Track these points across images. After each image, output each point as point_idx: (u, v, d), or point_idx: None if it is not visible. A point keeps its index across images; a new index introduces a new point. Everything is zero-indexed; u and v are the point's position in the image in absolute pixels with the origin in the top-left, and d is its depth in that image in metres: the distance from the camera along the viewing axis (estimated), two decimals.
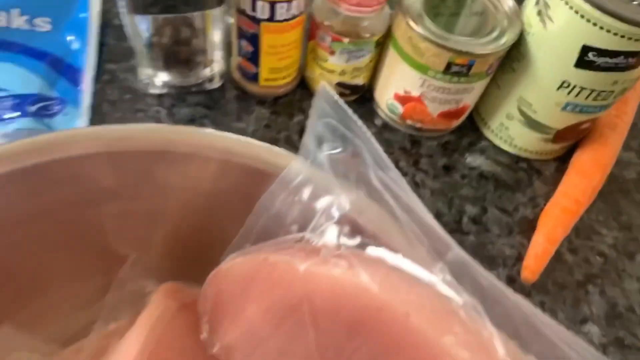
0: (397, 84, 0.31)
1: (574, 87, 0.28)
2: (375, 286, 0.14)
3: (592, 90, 0.28)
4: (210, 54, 0.31)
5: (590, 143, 0.34)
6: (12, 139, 0.29)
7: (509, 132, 0.33)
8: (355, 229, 0.18)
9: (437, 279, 0.14)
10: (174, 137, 0.20)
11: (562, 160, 0.35)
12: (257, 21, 0.29)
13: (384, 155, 0.16)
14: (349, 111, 0.16)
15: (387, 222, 0.17)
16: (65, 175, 0.19)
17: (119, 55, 0.34)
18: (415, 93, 0.31)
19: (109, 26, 0.35)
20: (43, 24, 0.33)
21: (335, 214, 0.18)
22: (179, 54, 0.31)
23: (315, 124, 0.17)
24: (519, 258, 0.30)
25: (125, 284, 0.22)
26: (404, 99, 0.32)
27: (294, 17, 0.29)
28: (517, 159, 0.34)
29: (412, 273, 0.15)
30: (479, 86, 0.31)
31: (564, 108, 0.30)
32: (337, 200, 0.18)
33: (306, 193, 0.18)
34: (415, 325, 0.14)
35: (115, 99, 0.32)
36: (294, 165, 0.18)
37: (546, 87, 0.29)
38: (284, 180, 0.19)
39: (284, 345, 0.17)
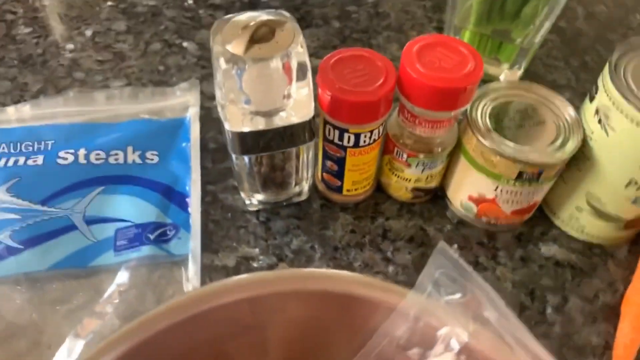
0: (471, 188, 0.34)
1: None
2: None
3: None
4: (301, 175, 0.36)
5: None
6: (138, 265, 0.34)
7: (580, 222, 0.35)
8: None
9: None
10: (303, 278, 0.23)
11: (635, 243, 0.36)
12: (343, 148, 0.33)
13: (498, 298, 0.19)
14: (468, 267, 0.19)
15: (501, 351, 0.20)
16: (219, 319, 0.23)
17: (217, 176, 0.39)
18: (489, 196, 0.34)
19: (205, 150, 0.40)
20: (152, 157, 0.39)
21: (455, 344, 0.21)
22: (274, 178, 0.35)
23: (432, 272, 0.20)
24: (607, 347, 0.32)
25: None
26: (478, 200, 0.35)
27: (374, 141, 0.33)
28: (590, 245, 0.36)
29: None
30: (548, 186, 0.33)
31: (634, 202, 0.32)
32: (455, 331, 0.21)
33: (424, 322, 0.21)
34: None
35: (219, 219, 0.37)
36: (411, 297, 0.21)
37: (614, 185, 0.32)
38: (403, 310, 0.21)
39: None
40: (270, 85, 0.29)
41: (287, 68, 0.29)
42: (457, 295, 0.20)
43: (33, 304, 0.32)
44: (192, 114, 0.41)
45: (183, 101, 0.42)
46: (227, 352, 0.24)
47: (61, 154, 0.37)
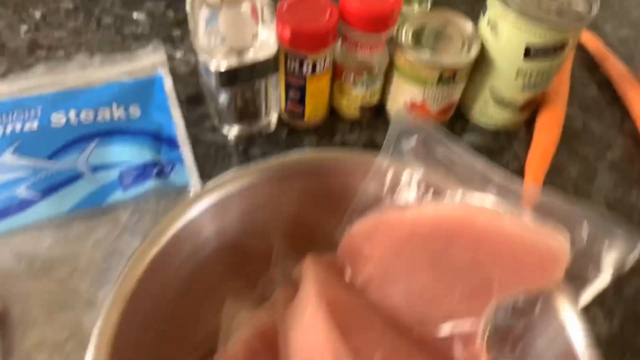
0: (404, 96, 0.44)
1: (526, 73, 0.41)
2: (458, 209, 0.26)
3: (539, 72, 0.41)
4: (269, 107, 0.43)
5: (545, 108, 0.47)
6: (148, 196, 0.40)
7: (488, 112, 0.46)
8: (428, 187, 0.29)
9: (492, 196, 0.26)
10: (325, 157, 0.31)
11: (529, 124, 0.48)
12: (303, 77, 0.40)
13: (445, 136, 0.28)
14: (421, 122, 0.28)
15: (449, 179, 0.29)
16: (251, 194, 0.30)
17: (195, 121, 0.45)
18: (419, 100, 0.43)
19: (178, 101, 0.46)
20: (135, 111, 0.44)
21: (414, 181, 0.29)
22: (248, 109, 0.42)
23: (392, 135, 0.29)
24: None
25: (276, 266, 0.33)
26: (411, 106, 0.44)
27: (327, 68, 0.41)
28: (497, 131, 0.47)
29: (478, 200, 0.26)
30: (461, 85, 0.43)
31: (523, 88, 0.43)
32: (413, 172, 0.29)
33: (390, 174, 0.30)
34: (512, 232, 0.25)
35: (205, 153, 0.43)
36: (379, 160, 0.30)
37: (507, 77, 0.42)
38: (376, 169, 0.30)
39: (406, 265, 0.28)
40: (242, 25, 0.36)
41: (253, 11, 0.36)
42: (413, 144, 0.28)
43: (61, 243, 0.38)
44: (164, 71, 0.47)
45: (151, 62, 0.47)
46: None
47: (53, 117, 0.42)
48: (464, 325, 0.26)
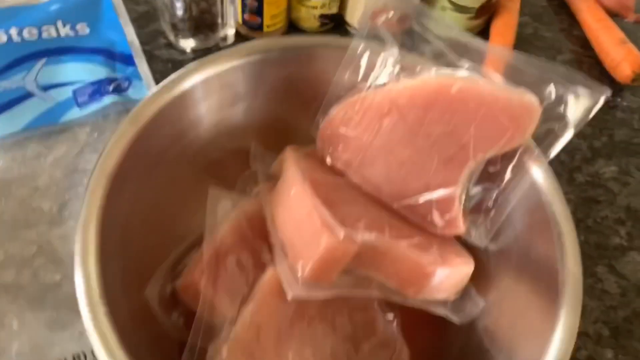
0: (364, 4, 0.43)
1: None
2: (435, 78, 0.27)
3: None
4: (225, 18, 0.42)
5: (500, 15, 0.48)
6: (107, 112, 0.38)
7: (446, 19, 0.46)
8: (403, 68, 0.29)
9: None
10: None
11: (486, 31, 0.48)
12: None
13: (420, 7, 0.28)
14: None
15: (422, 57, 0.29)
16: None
17: (147, 38, 0.43)
18: (378, 7, 0.43)
19: (132, 20, 0.44)
20: (83, 28, 0.42)
21: (389, 63, 0.29)
22: (204, 20, 0.41)
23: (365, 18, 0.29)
24: None
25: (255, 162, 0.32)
26: (372, 15, 0.44)
27: None
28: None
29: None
30: None
31: None
32: (388, 55, 0.29)
33: (365, 58, 0.30)
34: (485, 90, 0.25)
35: (162, 69, 0.42)
36: (354, 43, 0.30)
37: None
38: (349, 56, 0.30)
39: (384, 142, 0.28)
40: None
41: None
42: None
43: (17, 162, 0.36)
44: None
45: None
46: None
47: None
48: (440, 193, 0.27)
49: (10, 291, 0.31)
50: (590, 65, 0.49)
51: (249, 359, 0.25)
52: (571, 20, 0.52)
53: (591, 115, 0.25)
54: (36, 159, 0.36)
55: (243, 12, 0.42)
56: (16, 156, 0.36)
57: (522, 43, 0.49)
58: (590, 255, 0.38)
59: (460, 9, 0.45)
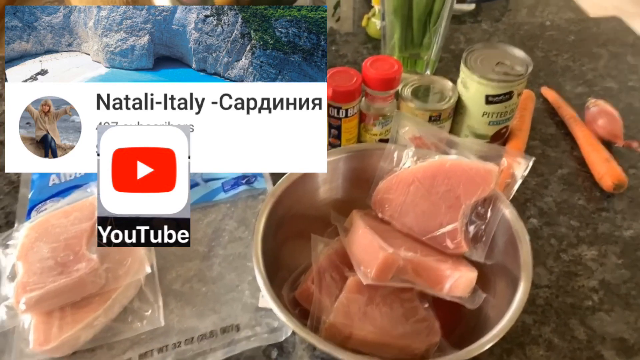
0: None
1: (490, 113, 0.62)
2: (437, 160, 0.47)
3: (499, 112, 0.62)
4: None
5: (511, 140, 0.66)
6: (240, 196, 0.62)
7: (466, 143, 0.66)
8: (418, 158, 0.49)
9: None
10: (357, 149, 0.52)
11: None
12: (339, 119, 0.62)
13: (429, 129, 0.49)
14: (419, 119, 0.49)
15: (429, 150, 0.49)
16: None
17: None
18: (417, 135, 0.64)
19: None
20: None
21: (410, 154, 0.50)
22: None
23: (396, 128, 0.50)
24: None
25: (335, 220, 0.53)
26: (412, 140, 0.65)
27: (355, 113, 0.63)
28: None
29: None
30: (447, 124, 0.64)
31: (489, 124, 0.63)
32: (409, 150, 0.50)
33: (396, 153, 0.51)
34: (464, 164, 0.46)
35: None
36: (389, 146, 0.51)
37: (477, 117, 0.63)
38: (386, 153, 0.51)
39: (411, 200, 0.48)
40: None
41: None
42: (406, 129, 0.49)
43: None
44: None
45: None
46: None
47: None
48: (449, 228, 0.46)
49: (178, 296, 0.53)
50: (584, 178, 0.64)
51: (345, 320, 0.43)
52: (573, 144, 0.69)
53: (526, 172, 0.45)
54: (196, 221, 0.59)
55: (329, 136, 0.65)
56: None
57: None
58: (566, 312, 0.51)
59: (477, 136, 0.65)
